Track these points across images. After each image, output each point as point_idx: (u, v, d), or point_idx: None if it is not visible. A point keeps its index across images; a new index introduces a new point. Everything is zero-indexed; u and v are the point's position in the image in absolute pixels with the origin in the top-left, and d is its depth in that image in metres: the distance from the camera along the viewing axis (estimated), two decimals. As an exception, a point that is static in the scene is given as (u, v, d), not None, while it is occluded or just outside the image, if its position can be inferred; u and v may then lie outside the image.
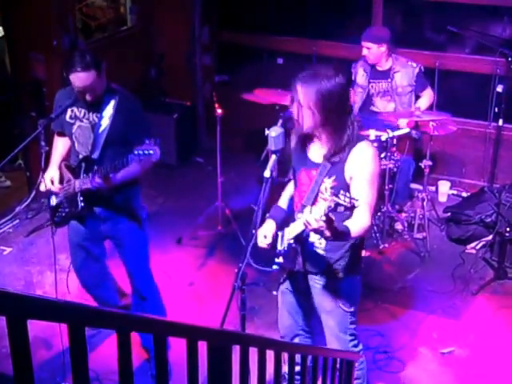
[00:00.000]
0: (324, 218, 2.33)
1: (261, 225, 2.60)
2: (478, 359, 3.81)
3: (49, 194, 3.46)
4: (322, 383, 2.76)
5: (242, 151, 6.15)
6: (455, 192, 5.70)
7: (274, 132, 2.55)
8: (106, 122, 3.28)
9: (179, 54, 6.52)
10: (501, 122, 5.35)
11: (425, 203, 4.98)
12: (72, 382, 1.33)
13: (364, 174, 2.60)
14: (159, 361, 1.52)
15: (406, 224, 5.03)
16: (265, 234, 2.77)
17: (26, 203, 5.37)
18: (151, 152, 3.04)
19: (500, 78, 5.33)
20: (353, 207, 2.28)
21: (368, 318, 4.11)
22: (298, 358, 2.57)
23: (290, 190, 3.00)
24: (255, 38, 6.25)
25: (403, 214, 5.16)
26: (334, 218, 2.37)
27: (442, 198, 5.64)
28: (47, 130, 3.47)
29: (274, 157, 2.56)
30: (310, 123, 2.61)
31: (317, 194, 2.69)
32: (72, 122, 3.40)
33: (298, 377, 2.66)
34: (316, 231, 2.44)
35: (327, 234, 2.43)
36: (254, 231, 2.58)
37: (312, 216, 2.34)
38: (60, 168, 3.47)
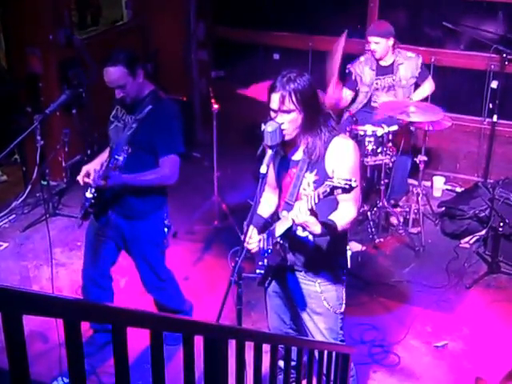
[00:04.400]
0: (309, 213, 2.37)
1: (251, 222, 2.61)
2: (471, 352, 3.85)
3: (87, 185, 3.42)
4: (318, 376, 2.78)
5: (238, 146, 6.15)
6: (450, 187, 5.74)
7: (270, 127, 2.56)
8: (134, 125, 3.29)
9: (175, 49, 6.52)
10: (495, 117, 5.39)
11: (420, 198, 5.01)
12: (68, 377, 1.35)
13: (346, 167, 2.62)
14: (155, 356, 1.53)
15: (401, 219, 5.06)
16: (250, 237, 2.77)
17: (23, 198, 5.38)
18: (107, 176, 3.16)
19: (494, 74, 5.36)
20: (350, 188, 2.28)
21: (363, 311, 4.15)
22: (293, 353, 2.58)
23: (267, 198, 2.99)
24: (251, 33, 6.25)
25: (398, 209, 5.19)
26: (317, 213, 2.43)
27: (437, 193, 5.67)
28: (43, 124, 3.48)
29: (270, 152, 2.57)
30: (297, 126, 2.62)
31: (299, 190, 2.70)
32: (112, 120, 3.43)
33: (293, 371, 2.68)
34: (303, 226, 2.48)
35: (314, 228, 2.47)
36: (245, 226, 2.60)
37: (301, 209, 2.39)
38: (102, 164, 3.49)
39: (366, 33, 5.03)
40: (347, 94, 5.13)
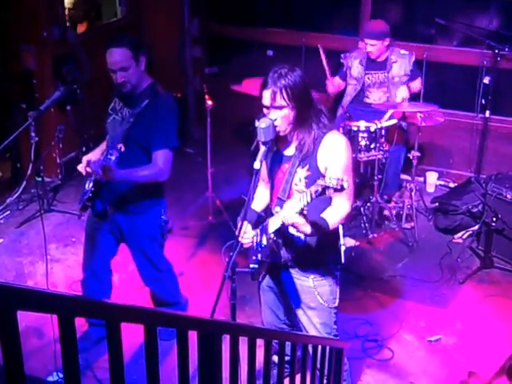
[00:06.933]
0: (297, 214, 2.40)
1: (245, 217, 2.62)
2: (465, 347, 3.88)
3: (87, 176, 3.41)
4: (312, 371, 2.80)
5: (232, 142, 6.17)
6: (443, 182, 5.77)
7: (263, 123, 2.57)
8: (131, 119, 3.28)
9: (169, 45, 6.51)
10: (487, 113, 5.41)
11: (413, 194, 5.02)
12: (63, 372, 1.36)
13: (339, 165, 2.62)
14: (150, 351, 1.54)
15: (394, 214, 5.08)
16: (245, 231, 2.79)
17: (17, 194, 5.38)
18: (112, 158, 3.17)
19: (487, 69, 5.37)
20: (342, 188, 2.29)
21: (357, 306, 4.17)
22: (287, 348, 2.60)
23: (260, 193, 3.00)
24: (245, 29, 6.25)
25: (392, 204, 5.21)
26: (306, 213, 2.45)
27: (430, 189, 5.70)
28: (37, 121, 3.48)
29: (263, 148, 2.58)
30: (289, 122, 2.63)
31: (291, 185, 2.71)
32: (111, 113, 3.43)
33: (287, 365, 2.70)
34: (294, 226, 2.50)
35: (304, 228, 2.49)
36: (239, 221, 2.62)
37: (289, 211, 2.42)
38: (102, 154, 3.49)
39: (363, 34, 5.04)
40: (339, 82, 5.28)
